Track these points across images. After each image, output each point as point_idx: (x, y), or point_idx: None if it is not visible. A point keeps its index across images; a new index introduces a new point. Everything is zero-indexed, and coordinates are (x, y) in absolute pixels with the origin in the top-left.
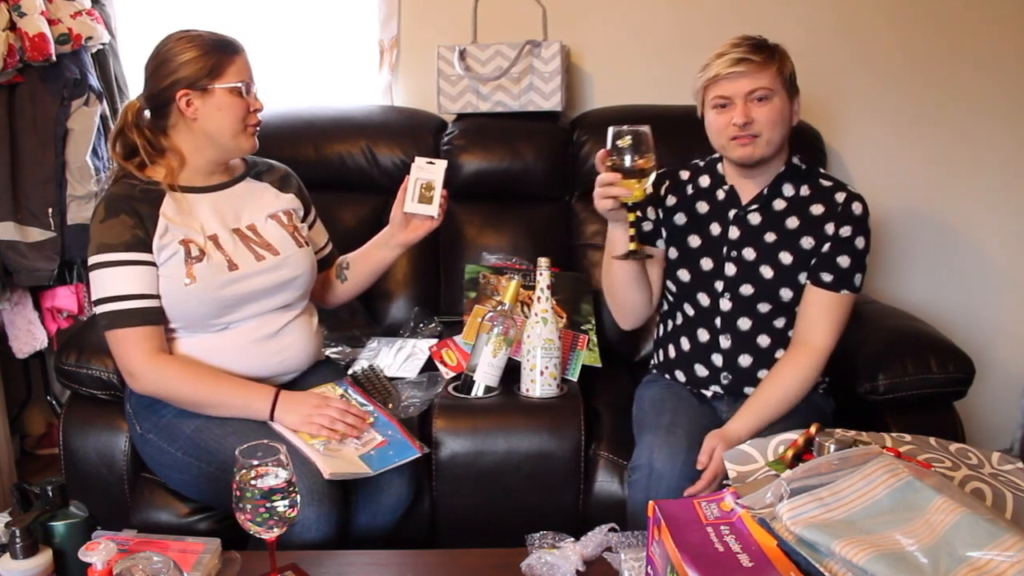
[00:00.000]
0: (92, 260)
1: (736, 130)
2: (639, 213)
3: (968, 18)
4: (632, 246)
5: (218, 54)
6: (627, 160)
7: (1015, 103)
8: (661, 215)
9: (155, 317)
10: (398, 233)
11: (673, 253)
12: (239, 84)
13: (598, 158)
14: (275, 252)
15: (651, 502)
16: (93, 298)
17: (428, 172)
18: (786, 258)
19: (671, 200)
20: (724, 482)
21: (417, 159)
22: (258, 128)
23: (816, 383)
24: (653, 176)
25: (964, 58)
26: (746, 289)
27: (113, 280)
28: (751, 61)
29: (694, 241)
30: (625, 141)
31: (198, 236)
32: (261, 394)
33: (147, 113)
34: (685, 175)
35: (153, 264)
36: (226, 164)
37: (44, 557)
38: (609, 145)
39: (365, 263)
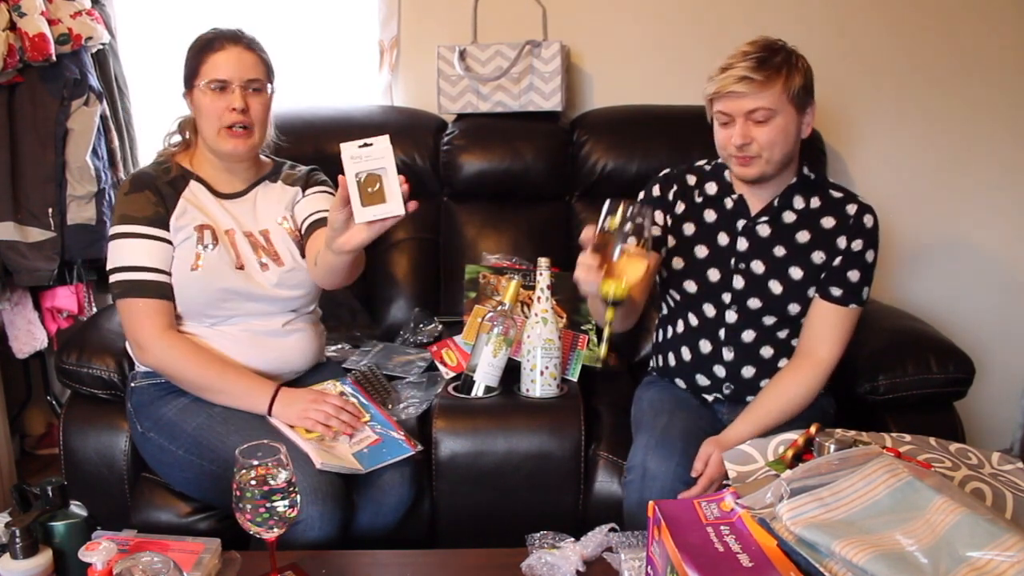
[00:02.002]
0: (113, 230)
1: (736, 150)
2: (616, 314)
3: (970, 20)
4: (603, 352)
5: (199, 51)
6: (618, 245)
7: (1016, 102)
8: (670, 222)
9: (167, 292)
10: (336, 238)
11: (679, 263)
12: (210, 82)
13: (584, 234)
14: (280, 263)
15: (651, 502)
16: (108, 267)
17: (371, 160)
18: (796, 273)
19: (680, 207)
20: (724, 482)
21: (345, 146)
22: (242, 131)
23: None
24: (640, 273)
25: (965, 59)
26: (753, 303)
27: (131, 250)
28: (752, 80)
29: (701, 251)
30: (612, 223)
31: (214, 225)
32: (263, 388)
33: None
34: (692, 180)
35: (170, 243)
36: (247, 165)
37: (44, 557)
38: (602, 219)
39: (324, 259)
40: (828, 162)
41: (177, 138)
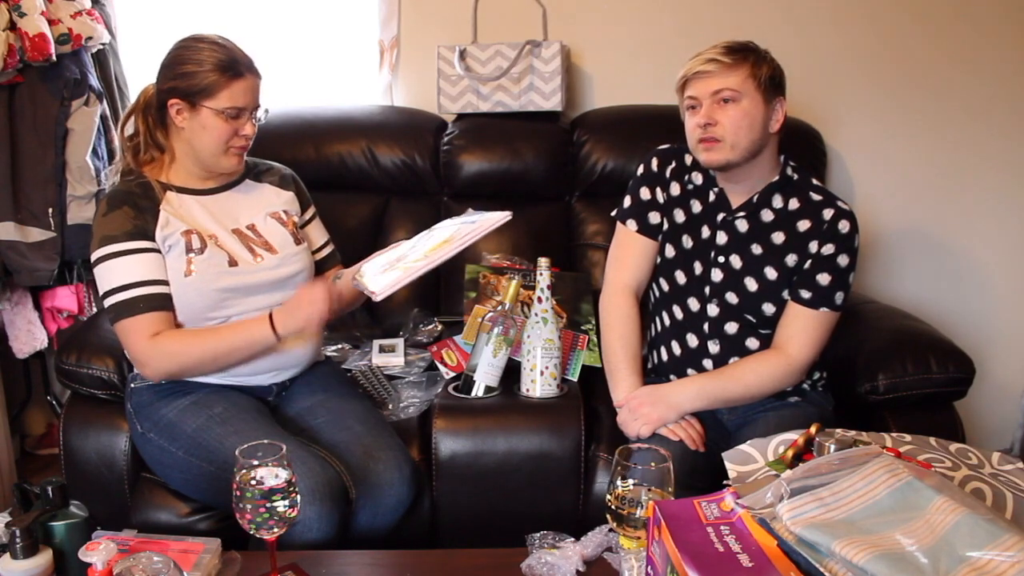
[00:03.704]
0: (95, 255)
1: (702, 132)
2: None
3: (968, 20)
4: None
5: (218, 74)
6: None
7: (1016, 102)
8: (663, 201)
9: (161, 303)
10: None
11: (670, 252)
12: (227, 109)
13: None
14: (274, 251)
15: (651, 502)
16: (100, 293)
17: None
18: (771, 273)
19: (674, 188)
20: (724, 482)
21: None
22: (245, 150)
23: (791, 385)
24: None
25: (965, 58)
26: (731, 297)
27: (118, 270)
28: (719, 62)
29: (687, 242)
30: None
31: (200, 228)
32: (259, 324)
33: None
34: (688, 160)
35: (157, 251)
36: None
37: (44, 557)
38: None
39: (348, 286)
40: (828, 162)
41: (136, 148)
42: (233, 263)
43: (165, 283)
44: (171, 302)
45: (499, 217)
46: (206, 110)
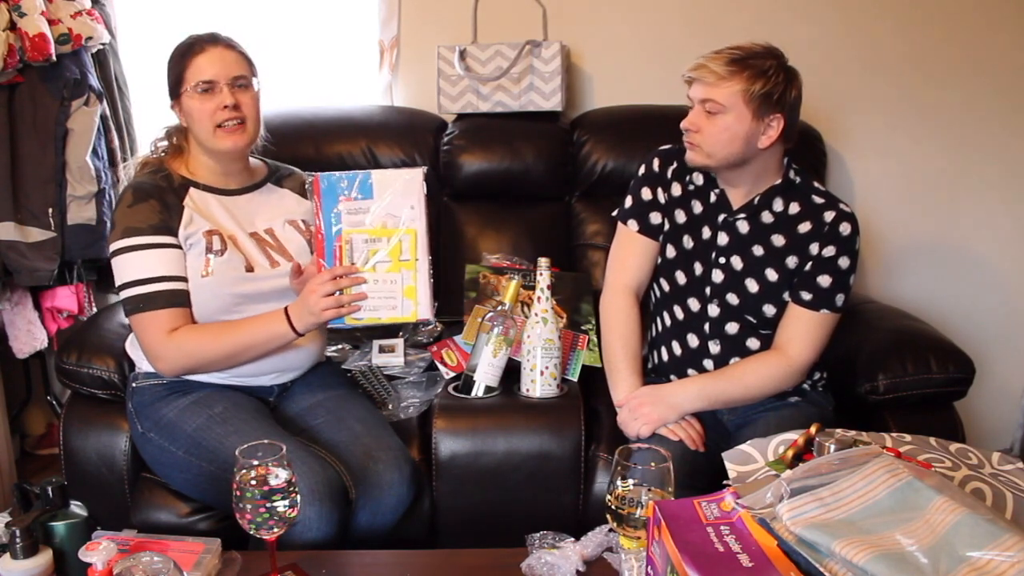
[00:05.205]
0: (116, 245)
1: (686, 133)
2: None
3: (970, 21)
4: None
5: (180, 58)
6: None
7: (1016, 103)
8: (664, 202)
9: (180, 299)
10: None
11: (671, 252)
12: (197, 84)
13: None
14: (290, 259)
15: (651, 502)
16: (117, 283)
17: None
18: (772, 275)
19: (676, 189)
20: (724, 482)
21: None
22: (240, 128)
23: (791, 386)
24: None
25: (966, 59)
26: (732, 298)
27: (138, 263)
28: (709, 71)
29: (688, 243)
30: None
31: (221, 229)
32: (276, 320)
33: None
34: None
35: (179, 247)
36: (242, 166)
37: (44, 557)
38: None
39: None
40: (828, 162)
41: (164, 143)
42: (250, 268)
43: (185, 280)
44: (189, 300)
45: (411, 173)
46: (184, 96)
